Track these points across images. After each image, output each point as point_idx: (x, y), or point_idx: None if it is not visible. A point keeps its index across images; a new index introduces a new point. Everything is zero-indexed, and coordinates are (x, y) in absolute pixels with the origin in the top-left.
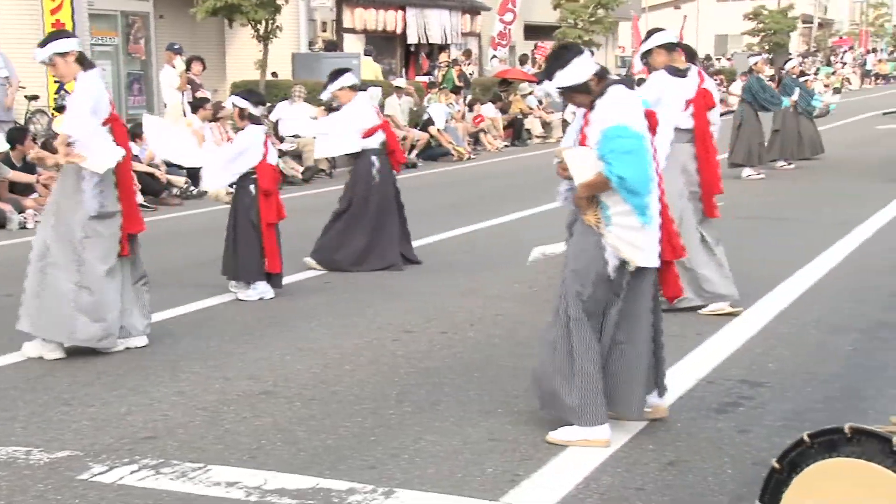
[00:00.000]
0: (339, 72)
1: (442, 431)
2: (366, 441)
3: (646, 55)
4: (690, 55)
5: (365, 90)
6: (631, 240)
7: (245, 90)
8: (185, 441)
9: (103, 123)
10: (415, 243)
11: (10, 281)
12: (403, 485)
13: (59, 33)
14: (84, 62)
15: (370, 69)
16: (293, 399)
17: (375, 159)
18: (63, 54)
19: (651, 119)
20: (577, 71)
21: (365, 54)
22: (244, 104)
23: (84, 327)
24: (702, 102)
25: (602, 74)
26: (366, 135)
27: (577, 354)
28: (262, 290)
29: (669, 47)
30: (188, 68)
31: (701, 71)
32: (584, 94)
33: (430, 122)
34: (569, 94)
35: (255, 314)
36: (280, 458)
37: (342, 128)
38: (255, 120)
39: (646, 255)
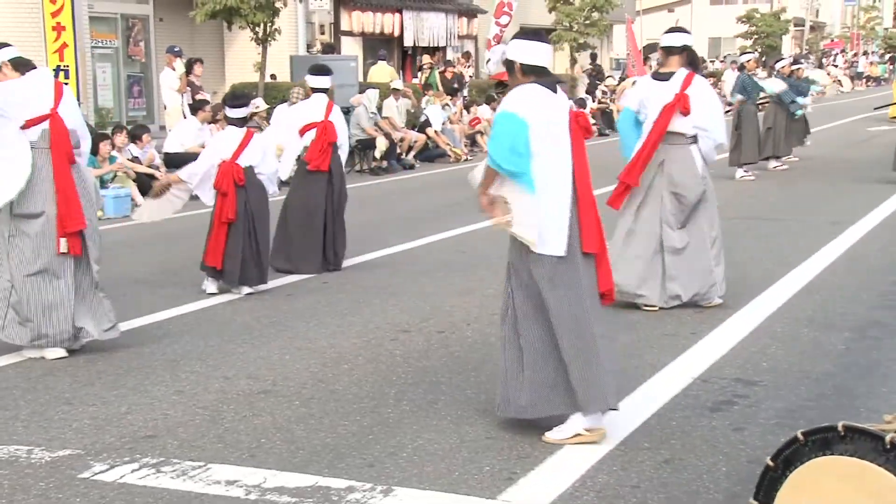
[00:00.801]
0: (316, 69)
1: (439, 430)
2: (364, 439)
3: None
4: (692, 61)
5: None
6: (526, 221)
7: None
8: (185, 440)
9: (27, 125)
10: (413, 243)
11: None
12: (402, 483)
13: None
14: (20, 67)
15: (385, 72)
16: (292, 398)
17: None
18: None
19: (578, 119)
20: (518, 50)
21: (379, 59)
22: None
23: (11, 327)
24: (673, 107)
25: (536, 72)
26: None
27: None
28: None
29: (665, 48)
30: (188, 71)
31: (690, 76)
32: (509, 75)
33: (427, 123)
34: (506, 67)
35: (254, 314)
36: (279, 457)
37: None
38: (231, 122)
39: (543, 238)
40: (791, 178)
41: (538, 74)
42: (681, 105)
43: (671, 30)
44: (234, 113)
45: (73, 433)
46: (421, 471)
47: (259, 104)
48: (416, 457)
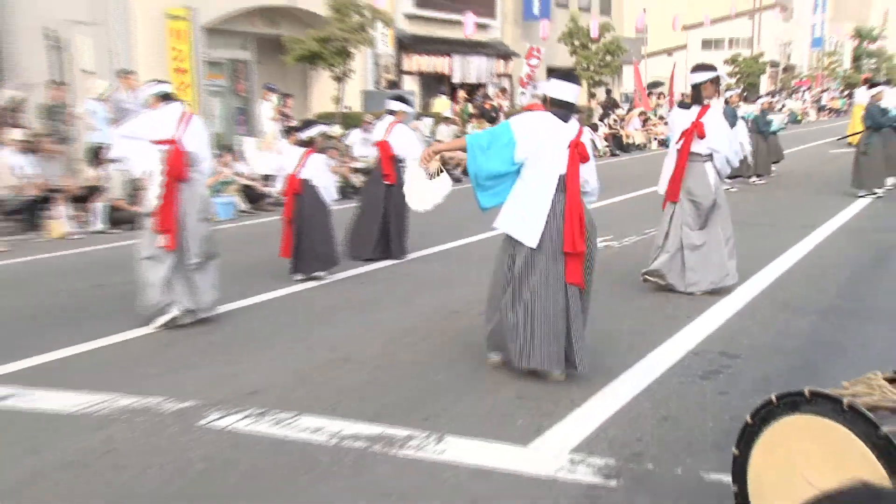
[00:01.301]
0: (395, 96)
1: (481, 392)
2: (421, 399)
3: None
4: (695, 96)
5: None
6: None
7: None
8: (280, 396)
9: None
10: (461, 241)
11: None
12: (450, 433)
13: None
14: (162, 100)
15: (445, 104)
16: (364, 365)
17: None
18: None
19: (577, 147)
20: (550, 86)
21: (440, 93)
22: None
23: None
24: (691, 132)
25: (559, 105)
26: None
27: None
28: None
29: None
30: (281, 103)
31: (706, 108)
32: (542, 104)
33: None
34: (541, 99)
35: (333, 298)
36: (354, 411)
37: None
38: (299, 143)
39: (519, 230)
40: (768, 191)
41: (559, 107)
42: (697, 130)
43: (696, 67)
44: (300, 136)
45: (194, 389)
46: (466, 423)
47: (324, 130)
48: (462, 413)
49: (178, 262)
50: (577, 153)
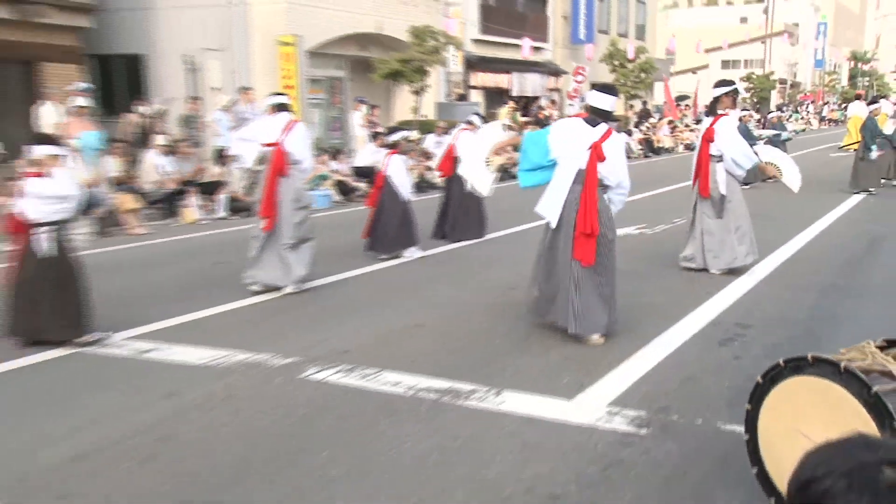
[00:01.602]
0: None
1: (533, 354)
2: (483, 359)
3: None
4: (711, 106)
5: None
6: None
7: (387, 128)
8: (366, 355)
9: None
10: (517, 228)
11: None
12: (507, 388)
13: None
14: (275, 109)
15: (504, 112)
16: (435, 330)
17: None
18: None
19: (597, 148)
20: (591, 96)
21: (504, 103)
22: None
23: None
24: (706, 138)
25: (596, 112)
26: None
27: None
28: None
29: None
30: (369, 113)
31: (718, 117)
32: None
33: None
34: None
35: (405, 276)
36: (427, 368)
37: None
38: (385, 145)
39: (546, 211)
40: (776, 189)
41: (594, 113)
42: (709, 136)
43: (717, 83)
44: (387, 139)
45: (295, 348)
46: (520, 380)
47: (406, 135)
48: (517, 371)
49: (273, 243)
50: (596, 153)
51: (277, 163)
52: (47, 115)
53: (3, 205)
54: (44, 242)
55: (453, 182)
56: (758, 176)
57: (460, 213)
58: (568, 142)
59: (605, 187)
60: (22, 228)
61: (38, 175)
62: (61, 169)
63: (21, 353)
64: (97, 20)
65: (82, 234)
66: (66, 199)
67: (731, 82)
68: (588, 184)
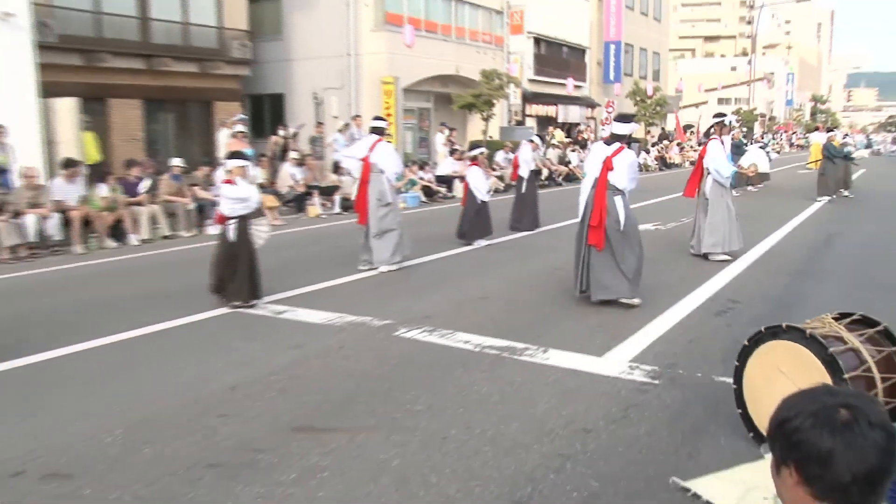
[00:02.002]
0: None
1: (575, 320)
2: (534, 323)
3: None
4: (707, 131)
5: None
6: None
7: (469, 145)
8: (444, 319)
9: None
10: (565, 223)
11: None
12: (553, 346)
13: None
14: (371, 131)
15: (560, 135)
16: (497, 301)
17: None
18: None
19: (606, 162)
20: (614, 124)
21: (556, 127)
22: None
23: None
24: (701, 155)
25: (616, 138)
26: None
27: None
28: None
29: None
30: (449, 135)
31: (710, 140)
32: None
33: (569, 162)
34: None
35: (476, 259)
36: (490, 330)
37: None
38: (470, 158)
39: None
40: (758, 196)
41: (615, 138)
42: (702, 153)
43: (716, 115)
44: (470, 153)
45: (391, 313)
46: (562, 340)
47: (484, 150)
48: (560, 333)
49: (367, 233)
50: (606, 165)
51: (364, 172)
52: (222, 138)
53: (185, 204)
54: (230, 231)
55: (526, 187)
56: (740, 182)
57: (527, 209)
58: (591, 160)
59: (618, 191)
60: (222, 220)
61: (230, 182)
62: (245, 177)
63: (191, 310)
64: (252, 70)
65: (264, 227)
66: (246, 200)
67: (722, 114)
68: (599, 188)
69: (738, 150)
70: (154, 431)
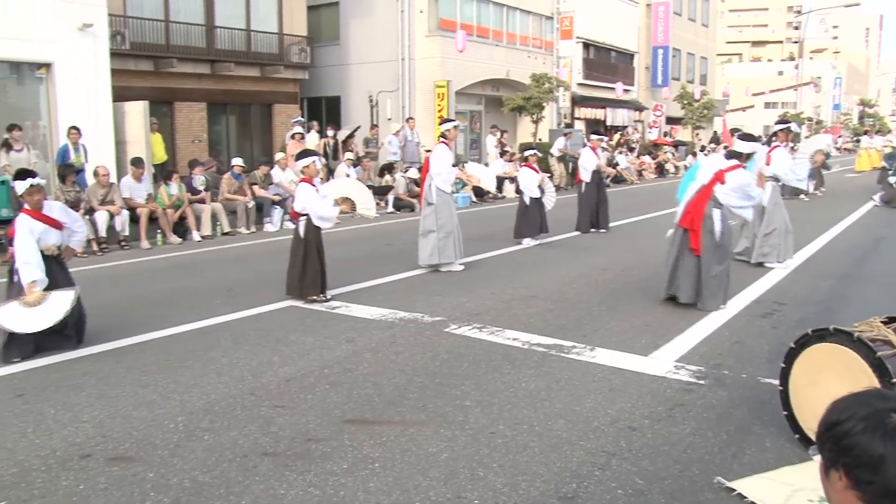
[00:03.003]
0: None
1: (620, 320)
2: (581, 322)
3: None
4: (770, 139)
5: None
6: None
7: (522, 147)
8: (493, 316)
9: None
10: (617, 223)
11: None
12: (599, 345)
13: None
14: (440, 139)
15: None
16: (546, 300)
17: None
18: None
19: (716, 174)
20: (738, 144)
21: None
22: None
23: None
24: (766, 161)
25: (730, 151)
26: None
27: None
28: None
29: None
30: (500, 137)
31: (775, 146)
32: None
33: (617, 164)
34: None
35: (525, 258)
36: (537, 327)
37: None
38: (522, 160)
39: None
40: (816, 200)
41: (733, 154)
42: (767, 160)
43: (780, 121)
44: (525, 154)
45: (441, 309)
46: (609, 340)
47: (536, 153)
48: (607, 332)
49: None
50: (717, 177)
51: (423, 172)
52: (287, 139)
53: (245, 202)
54: (300, 228)
55: (599, 188)
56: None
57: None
58: (705, 167)
59: (720, 204)
60: (296, 216)
61: (306, 181)
62: (317, 174)
63: (249, 304)
64: (310, 74)
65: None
66: (325, 197)
67: (788, 121)
68: (701, 195)
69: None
70: (212, 420)
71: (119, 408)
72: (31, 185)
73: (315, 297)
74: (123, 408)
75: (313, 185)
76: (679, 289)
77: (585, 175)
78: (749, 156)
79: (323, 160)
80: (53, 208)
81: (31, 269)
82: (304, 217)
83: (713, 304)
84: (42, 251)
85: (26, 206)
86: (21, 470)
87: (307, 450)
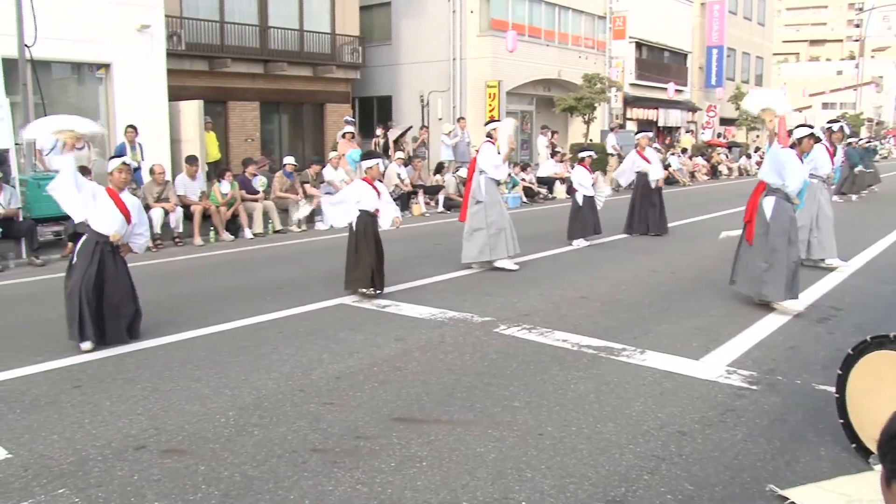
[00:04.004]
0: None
1: (671, 323)
2: (632, 324)
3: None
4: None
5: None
6: None
7: (575, 147)
8: (543, 317)
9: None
10: (672, 224)
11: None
12: (650, 348)
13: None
14: (486, 138)
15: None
16: (596, 301)
17: None
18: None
19: None
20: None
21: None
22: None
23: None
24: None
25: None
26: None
27: None
28: (577, 243)
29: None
30: (551, 137)
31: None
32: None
33: (669, 165)
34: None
35: (575, 259)
36: (586, 329)
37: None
38: (578, 161)
39: None
40: (865, 202)
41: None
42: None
43: (830, 121)
44: (580, 155)
45: (491, 310)
46: (660, 343)
47: (592, 153)
48: (658, 335)
49: None
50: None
51: (470, 171)
52: (338, 138)
53: (297, 200)
54: (354, 224)
55: (643, 189)
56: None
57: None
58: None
59: (773, 192)
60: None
61: (367, 181)
62: (379, 176)
63: (300, 301)
64: (362, 73)
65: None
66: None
67: (835, 121)
68: (758, 188)
69: (867, 155)
70: (262, 415)
71: (172, 401)
72: (124, 163)
73: (364, 291)
74: (176, 401)
75: (373, 186)
76: (737, 280)
77: (585, 190)
78: (801, 139)
79: (387, 161)
80: (131, 200)
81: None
82: (360, 212)
83: (773, 294)
84: (108, 236)
85: (109, 185)
86: (79, 459)
87: (355, 447)
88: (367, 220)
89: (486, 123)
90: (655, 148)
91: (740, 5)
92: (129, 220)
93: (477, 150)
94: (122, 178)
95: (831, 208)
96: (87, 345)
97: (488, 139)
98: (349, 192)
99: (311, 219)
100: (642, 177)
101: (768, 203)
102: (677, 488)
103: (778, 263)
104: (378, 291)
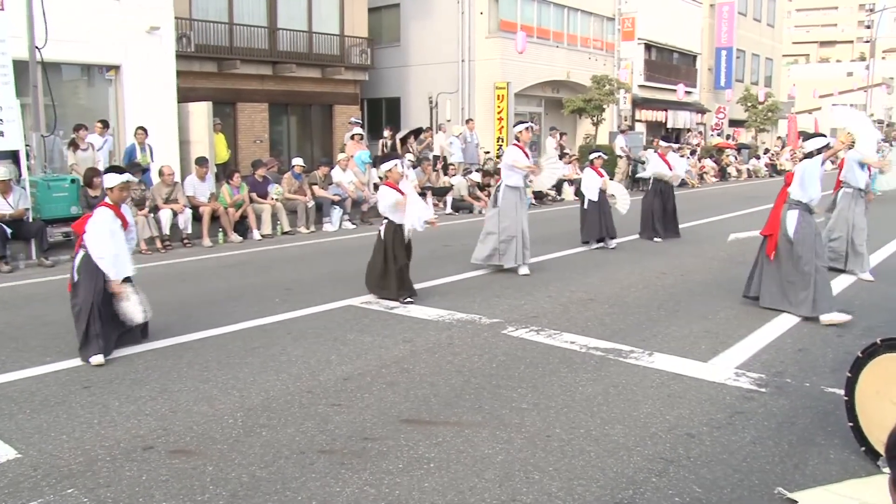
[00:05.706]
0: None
1: (679, 326)
2: (640, 327)
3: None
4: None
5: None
6: None
7: (588, 148)
8: (550, 320)
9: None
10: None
11: (453, 238)
12: (658, 350)
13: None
14: (514, 143)
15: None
16: (604, 303)
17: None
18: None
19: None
20: (810, 142)
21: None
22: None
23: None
24: (840, 164)
25: (805, 157)
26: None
27: None
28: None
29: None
30: (559, 138)
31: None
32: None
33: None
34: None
35: (583, 261)
36: (594, 331)
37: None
38: (587, 162)
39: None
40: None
41: (806, 157)
42: (841, 164)
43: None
44: (590, 157)
45: (499, 311)
46: (668, 345)
47: (602, 155)
48: (666, 338)
49: None
50: (788, 180)
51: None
52: (346, 140)
53: (305, 202)
54: (382, 231)
55: (663, 192)
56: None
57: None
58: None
59: (795, 205)
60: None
61: (389, 185)
62: (399, 178)
63: (308, 302)
64: (371, 75)
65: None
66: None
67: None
68: (779, 200)
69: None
70: (270, 417)
71: (180, 402)
72: (128, 181)
73: (402, 301)
74: (185, 402)
75: (397, 189)
76: (760, 292)
77: (591, 194)
78: (821, 150)
79: (408, 161)
80: (125, 209)
81: (123, 262)
82: (385, 220)
83: (805, 309)
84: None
85: (107, 200)
86: (87, 459)
87: (363, 448)
88: (396, 227)
89: (515, 125)
90: (678, 154)
91: (750, 6)
92: (125, 227)
93: (487, 153)
94: (124, 196)
95: (865, 220)
96: (98, 358)
97: (516, 143)
98: (393, 197)
99: (318, 220)
100: (658, 182)
101: (793, 216)
102: (685, 491)
103: (819, 279)
104: (412, 299)
